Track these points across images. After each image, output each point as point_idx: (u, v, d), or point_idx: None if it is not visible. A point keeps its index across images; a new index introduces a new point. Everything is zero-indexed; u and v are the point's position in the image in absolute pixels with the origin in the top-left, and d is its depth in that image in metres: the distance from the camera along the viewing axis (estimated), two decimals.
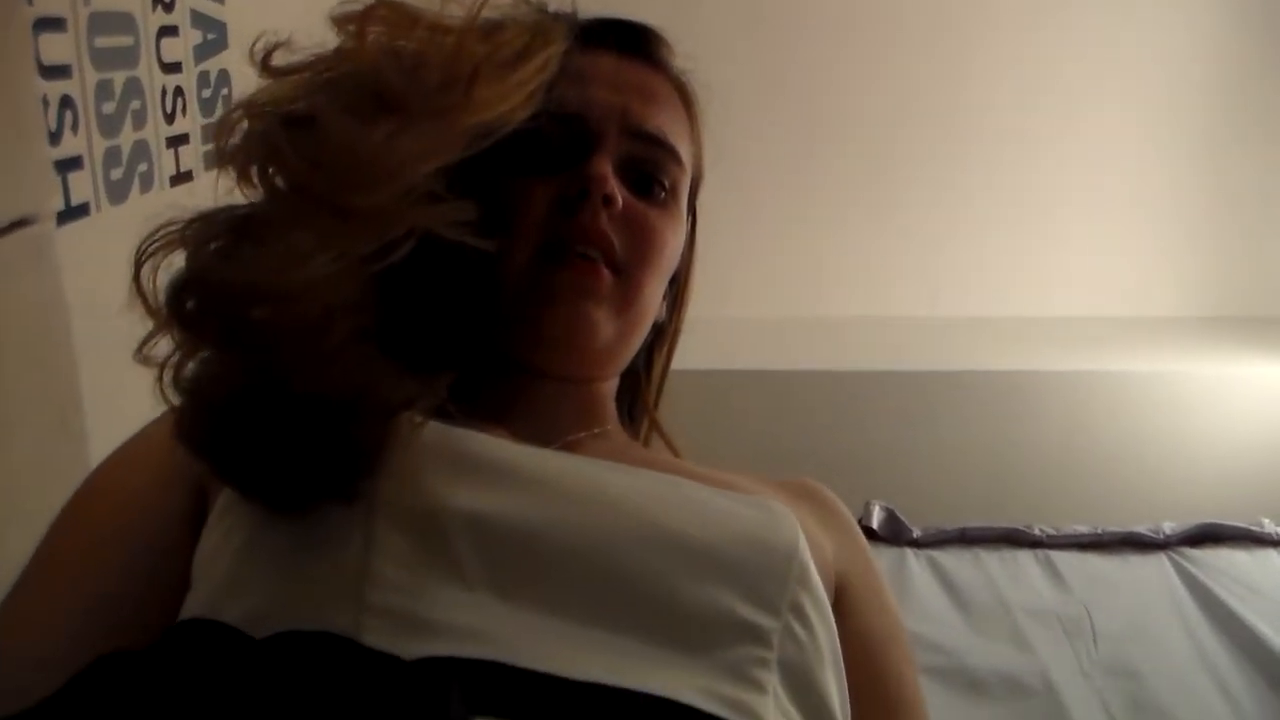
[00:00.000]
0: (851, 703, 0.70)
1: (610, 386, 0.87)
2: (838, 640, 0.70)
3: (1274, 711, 1.49)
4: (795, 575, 0.66)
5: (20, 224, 1.02)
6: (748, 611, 0.63)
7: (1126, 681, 1.56)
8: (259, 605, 0.59)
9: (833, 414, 2.53)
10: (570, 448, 0.77)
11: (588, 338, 0.77)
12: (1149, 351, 2.63)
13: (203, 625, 0.60)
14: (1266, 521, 2.00)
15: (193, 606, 0.64)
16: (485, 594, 0.60)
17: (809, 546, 0.69)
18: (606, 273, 0.77)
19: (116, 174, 1.30)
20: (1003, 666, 1.59)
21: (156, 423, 0.77)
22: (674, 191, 0.83)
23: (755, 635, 0.63)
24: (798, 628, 0.65)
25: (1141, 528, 1.98)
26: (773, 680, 0.62)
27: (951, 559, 1.92)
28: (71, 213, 1.21)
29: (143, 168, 1.36)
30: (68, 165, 1.20)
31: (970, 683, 1.55)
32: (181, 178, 1.46)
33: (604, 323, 0.77)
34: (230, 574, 0.62)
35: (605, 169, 0.76)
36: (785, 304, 2.80)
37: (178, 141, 1.45)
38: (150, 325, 0.62)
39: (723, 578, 0.64)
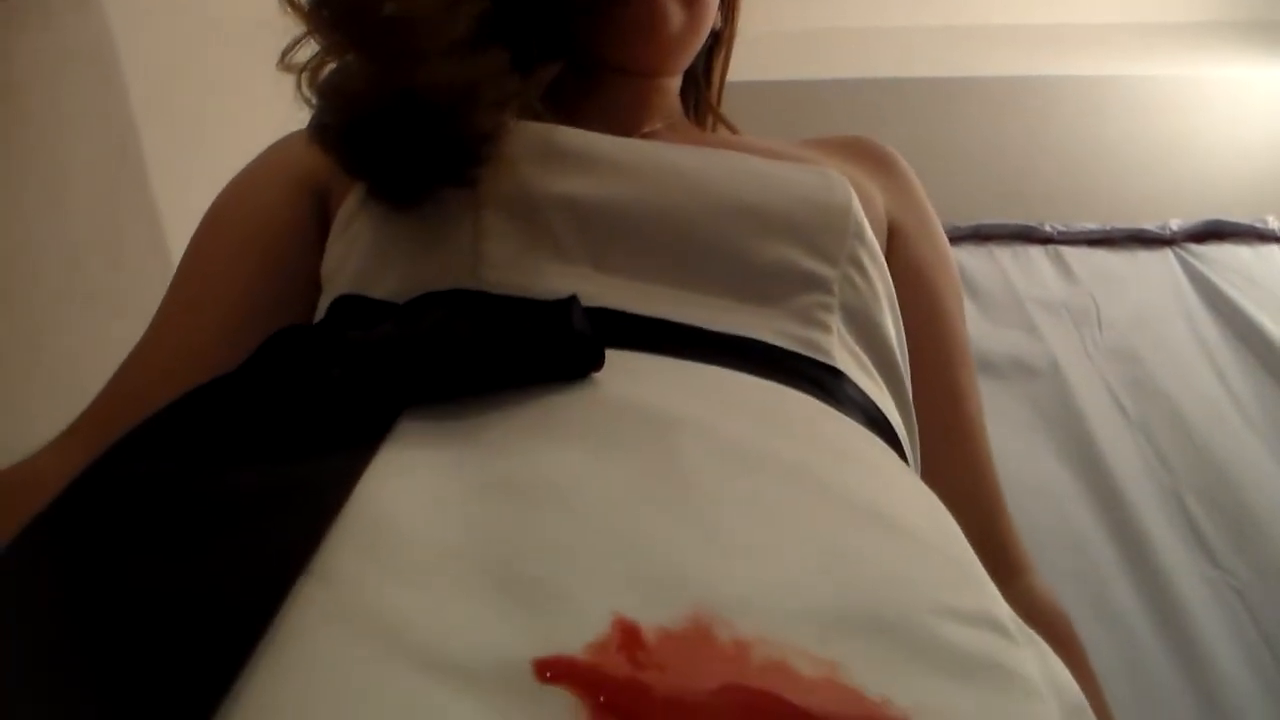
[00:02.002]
0: (908, 336, 0.77)
1: (676, 83, 0.91)
2: (893, 289, 0.77)
3: (1267, 395, 1.56)
4: (852, 230, 0.72)
5: None
6: (810, 263, 0.70)
7: (1128, 365, 1.63)
8: (394, 286, 0.67)
9: (853, 121, 2.50)
10: (646, 138, 0.82)
11: (661, 25, 0.80)
12: (1158, 56, 2.59)
13: (354, 300, 0.68)
14: (1270, 218, 2.03)
15: (334, 295, 0.71)
16: (584, 266, 0.67)
17: (861, 200, 0.76)
18: None
19: None
20: (1013, 350, 1.67)
21: (274, 147, 0.84)
22: None
23: (818, 283, 0.70)
24: (856, 276, 0.72)
25: (1149, 224, 2.02)
26: (835, 321, 0.69)
27: (966, 254, 1.97)
28: None
29: None
30: None
31: (982, 365, 1.60)
32: None
33: (674, 11, 0.80)
34: (362, 267, 0.69)
35: None
36: (799, 16, 2.75)
37: None
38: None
39: (787, 236, 0.70)
